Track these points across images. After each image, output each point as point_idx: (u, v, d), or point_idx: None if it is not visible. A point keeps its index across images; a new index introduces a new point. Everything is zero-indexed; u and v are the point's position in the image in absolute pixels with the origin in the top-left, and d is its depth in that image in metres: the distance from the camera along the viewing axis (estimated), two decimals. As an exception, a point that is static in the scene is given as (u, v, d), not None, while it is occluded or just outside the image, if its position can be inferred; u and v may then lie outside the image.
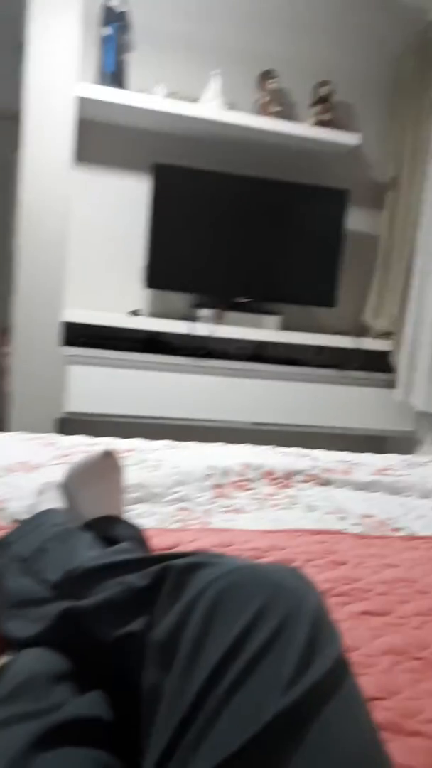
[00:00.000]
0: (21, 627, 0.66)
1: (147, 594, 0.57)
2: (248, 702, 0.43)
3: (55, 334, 2.44)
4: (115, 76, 2.50)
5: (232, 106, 2.67)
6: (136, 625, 0.56)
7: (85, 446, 1.61)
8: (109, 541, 0.82)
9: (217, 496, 1.33)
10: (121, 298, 2.76)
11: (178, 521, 1.20)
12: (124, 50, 2.54)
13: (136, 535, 0.89)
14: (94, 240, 2.74)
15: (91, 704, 0.52)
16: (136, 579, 0.59)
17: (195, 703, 0.44)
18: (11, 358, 2.45)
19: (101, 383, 2.51)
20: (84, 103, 2.40)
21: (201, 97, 2.61)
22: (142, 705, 0.50)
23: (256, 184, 2.70)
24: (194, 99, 2.60)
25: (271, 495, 1.37)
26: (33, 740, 0.46)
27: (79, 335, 2.50)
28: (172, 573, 0.56)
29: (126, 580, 0.60)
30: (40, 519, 0.86)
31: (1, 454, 1.46)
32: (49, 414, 2.47)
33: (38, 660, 0.58)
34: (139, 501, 1.27)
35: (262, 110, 2.69)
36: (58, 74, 2.31)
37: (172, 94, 2.56)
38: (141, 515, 1.19)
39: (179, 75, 2.69)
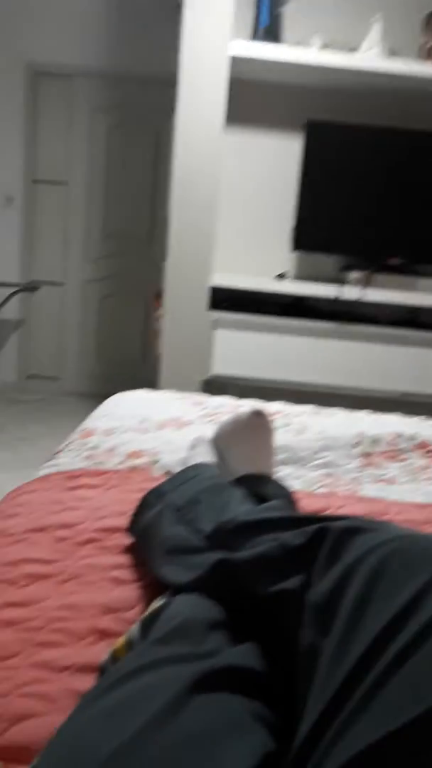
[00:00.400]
0: (175, 573, 0.69)
1: (303, 553, 0.56)
2: (415, 677, 0.40)
3: (204, 298, 2.48)
4: (269, 31, 2.43)
5: (393, 53, 2.49)
6: (291, 583, 0.55)
7: (231, 406, 1.63)
8: (259, 498, 0.82)
9: (365, 465, 1.29)
10: (269, 261, 2.73)
11: (323, 486, 1.17)
12: (280, 3, 2.45)
13: (286, 495, 0.88)
14: (244, 202, 2.73)
15: (245, 655, 0.52)
16: (291, 537, 0.58)
17: (354, 672, 0.43)
18: (163, 321, 2.54)
19: (246, 347, 2.52)
20: (237, 61, 2.37)
21: (359, 46, 2.46)
22: (298, 663, 0.49)
23: (415, 137, 2.51)
24: (352, 49, 2.45)
25: (426, 468, 1.29)
26: (190, 682, 0.47)
27: (226, 299, 2.53)
28: (331, 534, 0.55)
29: (281, 537, 0.59)
30: (193, 471, 0.88)
31: (154, 411, 1.52)
32: (196, 376, 2.54)
33: (194, 606, 0.59)
34: (284, 463, 1.26)
35: (427, 55, 2.48)
36: (213, 33, 2.29)
37: (327, 46, 2.44)
38: (285, 478, 1.18)
39: (337, 24, 2.55)
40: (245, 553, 0.61)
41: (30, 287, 3.53)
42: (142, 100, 3.60)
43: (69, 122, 3.65)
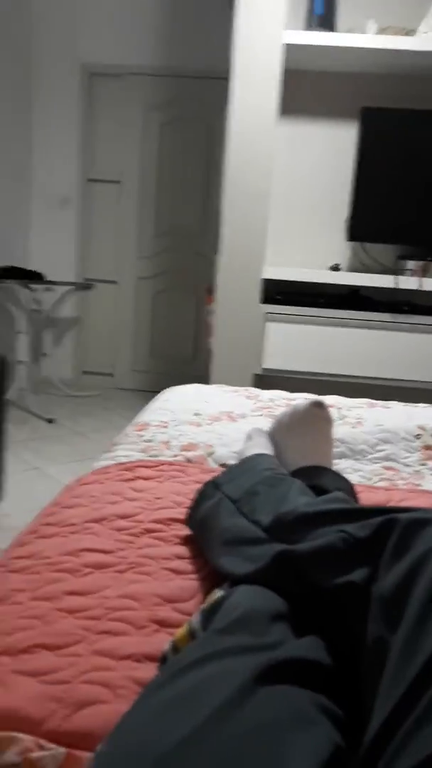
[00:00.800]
0: (234, 564, 0.68)
1: (369, 545, 0.54)
2: None
3: (257, 291, 2.46)
4: (324, 19, 2.39)
5: (452, 33, 2.40)
6: (356, 576, 0.53)
7: (285, 400, 1.61)
8: (318, 490, 0.81)
9: (427, 458, 1.24)
10: (322, 252, 2.69)
11: (383, 480, 1.14)
12: (333, -11, 2.40)
13: (346, 487, 0.86)
14: (297, 194, 2.70)
15: (310, 648, 0.51)
16: (355, 529, 0.56)
17: (427, 667, 0.41)
18: (215, 315, 2.54)
19: (299, 340, 2.49)
20: (290, 51, 2.34)
21: (415, 30, 2.38)
22: (364, 658, 0.48)
23: None
24: (409, 32, 2.38)
25: None
26: (255, 674, 0.46)
27: (279, 292, 2.50)
28: (398, 526, 0.53)
29: (345, 529, 0.57)
30: (250, 463, 0.87)
31: (207, 404, 1.52)
32: (248, 369, 2.52)
33: (256, 597, 0.58)
34: (341, 456, 1.24)
35: None
36: (267, 24, 2.26)
37: (383, 30, 2.38)
38: (343, 471, 1.16)
39: (390, 8, 2.48)
40: (307, 544, 0.59)
41: (85, 285, 3.59)
42: (193, 96, 3.60)
43: (123, 121, 3.69)
